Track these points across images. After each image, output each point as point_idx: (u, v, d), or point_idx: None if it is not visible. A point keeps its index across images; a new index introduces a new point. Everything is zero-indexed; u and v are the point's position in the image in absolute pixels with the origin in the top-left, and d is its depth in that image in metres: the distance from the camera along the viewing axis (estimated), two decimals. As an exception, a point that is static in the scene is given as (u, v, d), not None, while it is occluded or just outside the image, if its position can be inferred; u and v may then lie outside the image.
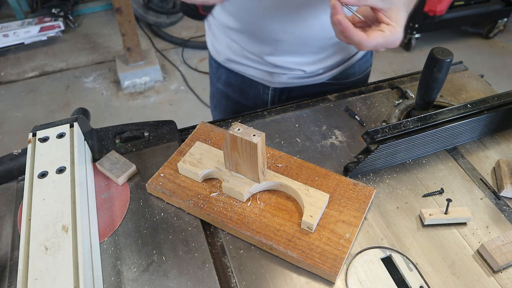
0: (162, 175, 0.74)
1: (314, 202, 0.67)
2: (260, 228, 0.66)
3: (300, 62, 0.95)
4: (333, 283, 0.62)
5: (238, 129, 0.63)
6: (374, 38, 0.63)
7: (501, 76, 2.94)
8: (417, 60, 3.09)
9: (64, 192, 0.65)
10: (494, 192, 0.74)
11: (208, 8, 0.73)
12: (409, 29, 3.02)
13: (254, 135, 0.62)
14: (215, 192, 0.71)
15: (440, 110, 0.77)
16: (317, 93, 0.97)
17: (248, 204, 0.70)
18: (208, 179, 0.74)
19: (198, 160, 0.73)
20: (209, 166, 0.72)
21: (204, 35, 3.81)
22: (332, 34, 0.88)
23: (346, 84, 1.04)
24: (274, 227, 0.66)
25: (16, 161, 0.76)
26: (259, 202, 0.70)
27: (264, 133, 0.63)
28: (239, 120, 0.89)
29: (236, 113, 0.96)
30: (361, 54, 1.02)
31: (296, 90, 1.04)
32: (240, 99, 1.11)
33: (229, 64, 1.04)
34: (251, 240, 0.66)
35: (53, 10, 3.21)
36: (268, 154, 0.78)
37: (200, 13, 0.73)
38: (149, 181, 0.73)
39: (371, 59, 1.09)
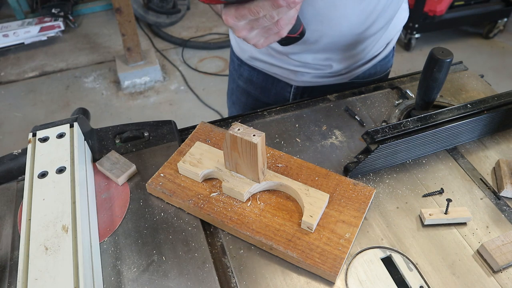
0: (162, 175, 0.74)
1: (314, 202, 0.67)
2: (260, 228, 0.66)
3: (327, 58, 0.95)
4: (333, 283, 0.62)
5: (238, 129, 0.63)
6: None
7: (501, 76, 2.94)
8: (417, 60, 3.09)
9: (64, 192, 0.65)
10: (494, 192, 0.74)
11: (292, 30, 0.69)
12: (409, 29, 3.02)
13: (254, 135, 0.62)
14: (215, 192, 0.71)
15: (440, 110, 0.77)
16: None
17: (248, 204, 0.70)
18: (208, 179, 0.74)
19: (198, 160, 0.73)
20: (209, 166, 0.72)
21: (204, 35, 3.76)
22: (359, 30, 0.88)
23: (366, 84, 1.04)
24: (274, 227, 0.66)
25: (16, 161, 0.76)
26: (259, 202, 0.70)
27: (264, 133, 0.63)
28: (239, 120, 0.89)
29: (256, 110, 0.97)
30: (383, 54, 1.03)
31: (318, 89, 1.04)
32: (261, 97, 1.12)
33: (253, 62, 1.05)
34: (251, 240, 0.66)
35: (53, 10, 3.21)
36: (268, 154, 0.78)
37: (292, 37, 0.72)
38: (149, 181, 0.73)
39: (392, 59, 1.10)
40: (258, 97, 1.12)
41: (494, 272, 0.63)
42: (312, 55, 0.94)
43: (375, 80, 1.06)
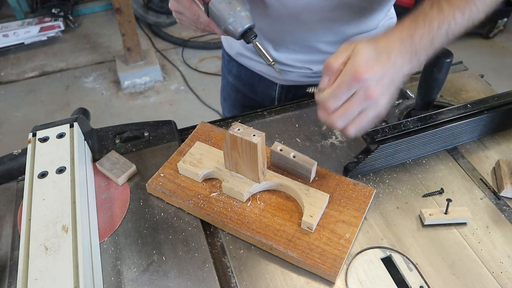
0: (162, 175, 0.74)
1: (314, 202, 0.67)
2: (260, 228, 0.66)
3: (306, 60, 0.95)
4: (333, 283, 0.62)
5: (238, 129, 0.63)
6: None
7: (501, 76, 2.94)
8: (417, 60, 3.08)
9: (64, 192, 0.65)
10: (494, 192, 0.74)
11: None
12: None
13: (254, 135, 0.62)
14: (215, 192, 0.71)
15: (440, 110, 0.77)
16: None
17: (248, 204, 0.70)
18: (208, 179, 0.74)
19: (198, 160, 0.73)
20: (209, 166, 0.72)
21: (203, 35, 3.75)
22: (337, 38, 0.88)
23: None
24: (274, 227, 0.66)
25: (16, 161, 0.76)
26: (259, 202, 0.70)
27: (264, 133, 0.63)
28: (239, 120, 0.89)
29: (245, 106, 0.97)
30: None
31: (303, 88, 1.04)
32: (249, 93, 1.13)
33: (240, 58, 1.06)
34: (251, 240, 0.66)
35: (53, 10, 3.21)
36: (268, 154, 0.78)
37: None
38: (149, 181, 0.73)
39: None
40: (247, 93, 1.13)
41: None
42: (291, 54, 0.94)
43: None
